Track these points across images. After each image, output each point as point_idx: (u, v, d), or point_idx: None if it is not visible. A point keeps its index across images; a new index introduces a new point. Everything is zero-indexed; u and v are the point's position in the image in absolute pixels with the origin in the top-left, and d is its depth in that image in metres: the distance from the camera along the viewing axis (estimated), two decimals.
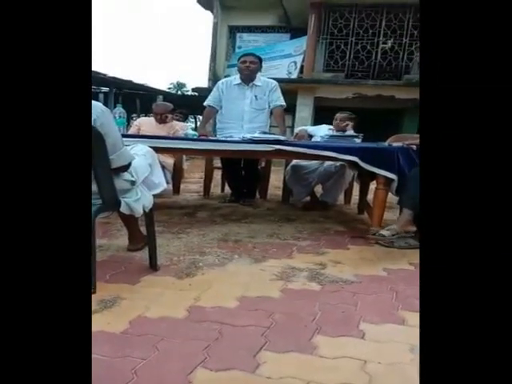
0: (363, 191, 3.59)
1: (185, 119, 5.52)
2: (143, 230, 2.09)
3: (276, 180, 4.71)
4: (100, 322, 1.38)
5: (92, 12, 0.79)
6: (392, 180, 2.57)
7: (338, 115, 3.78)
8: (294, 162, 3.68)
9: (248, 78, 3.64)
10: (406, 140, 2.93)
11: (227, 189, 4.27)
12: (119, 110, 3.20)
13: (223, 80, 3.88)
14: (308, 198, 3.81)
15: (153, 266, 1.93)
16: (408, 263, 2.17)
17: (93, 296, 1.58)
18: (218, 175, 4.56)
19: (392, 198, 2.76)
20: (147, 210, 1.87)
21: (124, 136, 2.72)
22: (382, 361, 1.22)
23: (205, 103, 3.86)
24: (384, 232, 2.36)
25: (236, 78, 3.73)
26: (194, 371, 1.13)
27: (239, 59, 3.74)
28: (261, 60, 3.72)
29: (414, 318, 1.50)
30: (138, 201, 1.80)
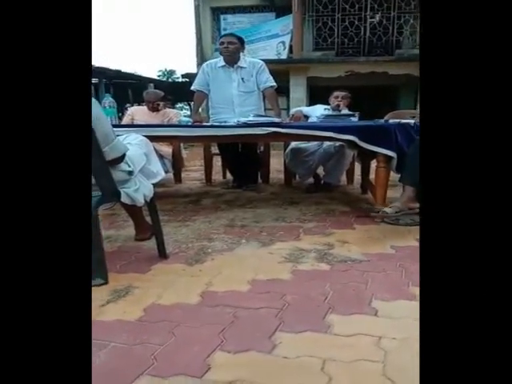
0: (364, 170, 3.59)
1: (173, 105, 5.53)
2: (149, 219, 2.09)
3: (277, 164, 4.70)
4: (115, 312, 1.39)
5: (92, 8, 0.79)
6: (391, 158, 2.57)
7: (338, 93, 3.73)
8: (293, 144, 3.64)
9: (230, 59, 3.57)
10: (404, 116, 2.92)
11: (229, 175, 4.26)
12: (108, 99, 3.15)
13: (208, 62, 3.80)
14: (311, 180, 3.81)
15: (162, 255, 1.95)
16: (415, 239, 2.18)
17: (106, 286, 1.60)
18: (218, 161, 4.55)
19: (395, 175, 2.76)
20: (148, 200, 1.88)
21: (117, 126, 2.72)
22: (397, 336, 1.23)
23: (192, 87, 3.80)
24: (387, 209, 2.36)
25: (220, 60, 3.65)
26: (212, 354, 1.15)
27: (219, 41, 3.68)
28: (242, 40, 3.62)
29: None
30: (138, 190, 1.80)
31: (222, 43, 3.55)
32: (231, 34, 3.72)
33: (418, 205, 2.45)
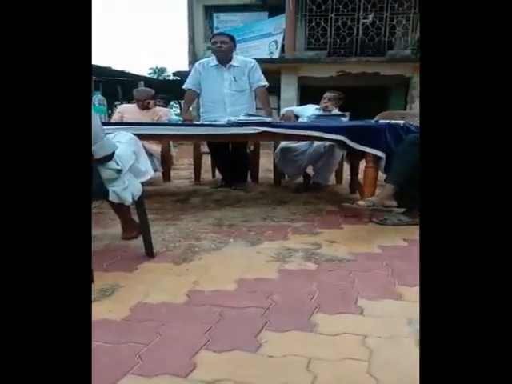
0: (353, 170, 3.61)
1: (167, 104, 5.49)
2: (136, 218, 2.08)
3: (266, 163, 4.70)
4: (101, 311, 1.38)
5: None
6: (380, 158, 2.58)
7: (327, 94, 3.75)
8: (283, 144, 3.65)
9: (223, 58, 3.56)
10: (394, 117, 2.92)
11: (218, 174, 4.25)
12: (98, 97, 3.13)
13: (200, 61, 3.79)
14: (301, 179, 3.81)
15: (149, 253, 1.93)
16: (402, 239, 2.19)
17: (91, 285, 1.59)
18: (208, 160, 4.54)
19: (383, 176, 2.77)
20: (136, 198, 1.87)
21: (107, 124, 2.70)
22: (382, 335, 1.24)
23: (184, 86, 3.79)
24: (360, 202, 2.36)
25: (213, 60, 3.63)
26: (198, 353, 1.14)
27: (211, 39, 3.67)
28: (233, 39, 3.61)
29: (411, 293, 1.53)
30: (126, 189, 1.79)
31: (215, 42, 3.53)
32: (223, 33, 3.71)
33: (394, 203, 2.45)
